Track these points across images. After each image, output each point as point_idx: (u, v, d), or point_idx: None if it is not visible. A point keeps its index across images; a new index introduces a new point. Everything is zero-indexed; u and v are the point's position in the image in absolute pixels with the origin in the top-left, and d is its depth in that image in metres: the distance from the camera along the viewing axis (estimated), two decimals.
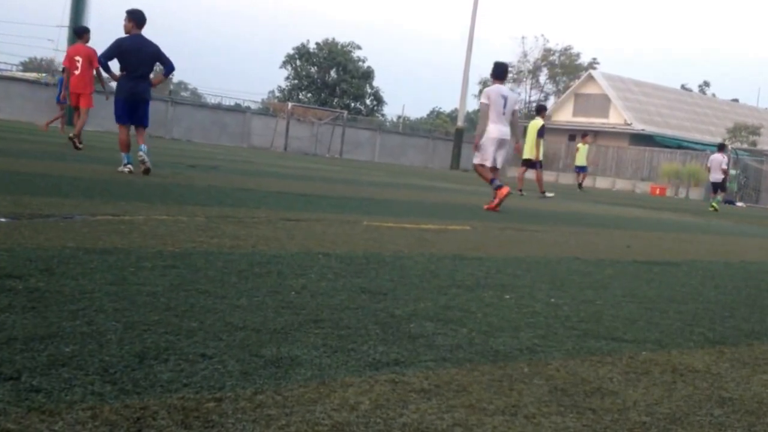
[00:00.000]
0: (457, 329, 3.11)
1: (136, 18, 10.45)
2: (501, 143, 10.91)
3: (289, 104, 45.87)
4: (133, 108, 10.58)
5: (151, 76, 11.11)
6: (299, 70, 66.18)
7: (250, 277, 3.71)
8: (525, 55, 62.33)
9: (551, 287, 4.46)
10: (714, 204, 22.70)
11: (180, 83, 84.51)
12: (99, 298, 2.91)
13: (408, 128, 56.85)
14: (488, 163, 10.88)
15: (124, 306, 2.84)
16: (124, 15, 10.48)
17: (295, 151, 41.22)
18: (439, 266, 4.79)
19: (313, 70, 65.86)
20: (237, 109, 45.58)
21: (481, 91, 71.57)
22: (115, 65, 10.52)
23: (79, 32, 15.28)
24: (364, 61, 66.47)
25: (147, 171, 10.13)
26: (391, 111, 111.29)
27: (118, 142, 10.53)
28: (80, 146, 14.35)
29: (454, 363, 2.61)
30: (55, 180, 7.87)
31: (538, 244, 6.98)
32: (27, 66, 70.13)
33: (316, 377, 2.28)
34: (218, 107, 44.87)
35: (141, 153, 10.11)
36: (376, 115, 65.04)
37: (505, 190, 10.43)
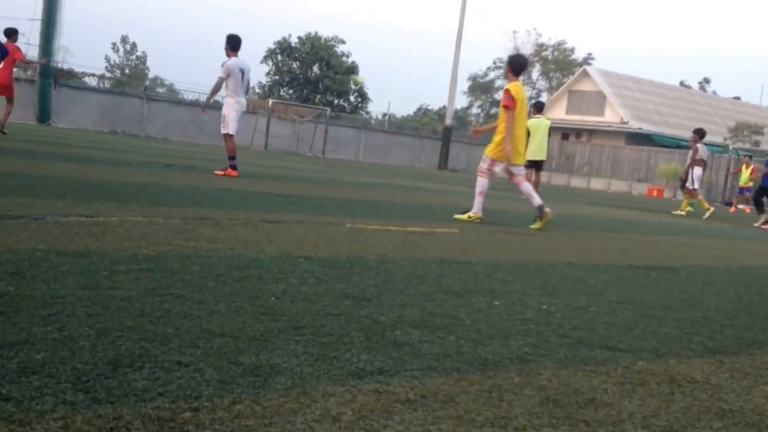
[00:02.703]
0: (445, 337, 3.14)
1: None
2: None
3: (270, 101, 45.78)
4: None
5: None
6: (280, 65, 66.06)
7: (228, 281, 3.72)
8: (517, 50, 62.53)
9: (543, 293, 4.49)
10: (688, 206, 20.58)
11: (156, 78, 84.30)
12: (71, 303, 2.91)
13: (394, 126, 56.88)
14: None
15: (97, 311, 2.85)
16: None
17: (276, 149, 41.16)
18: (425, 271, 4.81)
19: (295, 65, 65.78)
20: (215, 106, 45.37)
21: (471, 88, 70.74)
22: None
23: (8, 33, 17.62)
24: (348, 56, 66.48)
25: None
26: (376, 108, 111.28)
27: None
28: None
29: (441, 372, 2.63)
30: (24, 179, 7.84)
31: (529, 248, 7.02)
32: None
33: (296, 386, 2.29)
34: (196, 104, 44.75)
35: None
36: (361, 112, 65.05)
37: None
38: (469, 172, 42.64)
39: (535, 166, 18.16)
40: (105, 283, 3.34)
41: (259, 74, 71.12)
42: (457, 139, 46.59)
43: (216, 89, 12.91)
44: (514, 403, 2.40)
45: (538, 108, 19.01)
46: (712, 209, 18.30)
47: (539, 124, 18.06)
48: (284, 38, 65.87)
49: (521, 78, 9.62)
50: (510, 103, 9.17)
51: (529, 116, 19.01)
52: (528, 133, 17.94)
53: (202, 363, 2.39)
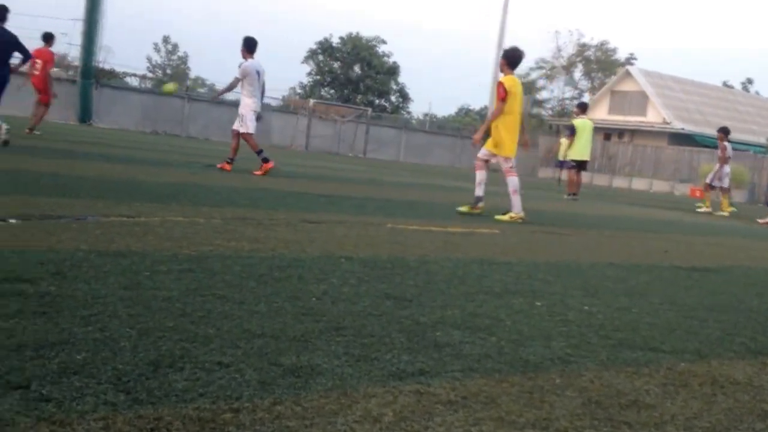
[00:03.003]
0: (486, 338, 3.10)
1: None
2: None
3: (311, 101, 45.97)
4: None
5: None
6: (322, 65, 66.31)
7: (269, 281, 3.72)
8: (559, 50, 62.11)
9: (584, 294, 4.43)
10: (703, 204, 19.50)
11: (197, 79, 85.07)
12: (112, 303, 2.93)
13: (435, 126, 56.75)
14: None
15: (138, 311, 2.86)
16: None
17: (317, 149, 41.31)
18: (466, 271, 4.78)
19: (336, 65, 65.97)
20: (229, 104, 45.67)
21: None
22: None
23: (46, 38, 17.95)
24: (389, 57, 66.50)
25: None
26: (417, 108, 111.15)
27: None
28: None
29: (482, 373, 2.60)
30: (65, 179, 7.94)
31: (570, 249, 6.95)
32: None
33: (337, 387, 2.28)
34: (237, 104, 45.08)
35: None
36: (402, 112, 65.04)
37: None
38: None
39: (580, 165, 17.99)
40: (146, 284, 3.36)
41: (300, 74, 71.48)
42: None
43: (230, 88, 13.29)
44: (556, 404, 2.37)
45: (583, 108, 18.81)
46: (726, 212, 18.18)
47: (585, 125, 17.86)
48: (325, 38, 66.11)
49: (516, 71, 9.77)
50: (502, 94, 9.45)
51: (574, 116, 18.85)
52: (575, 133, 17.82)
53: (243, 363, 2.38)
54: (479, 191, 9.68)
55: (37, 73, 17.57)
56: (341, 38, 65.94)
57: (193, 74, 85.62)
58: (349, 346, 2.73)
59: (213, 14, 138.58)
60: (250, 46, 12.67)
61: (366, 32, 76.26)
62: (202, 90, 73.43)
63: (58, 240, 4.20)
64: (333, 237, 5.73)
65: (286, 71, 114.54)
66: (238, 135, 13.04)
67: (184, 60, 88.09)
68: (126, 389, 2.05)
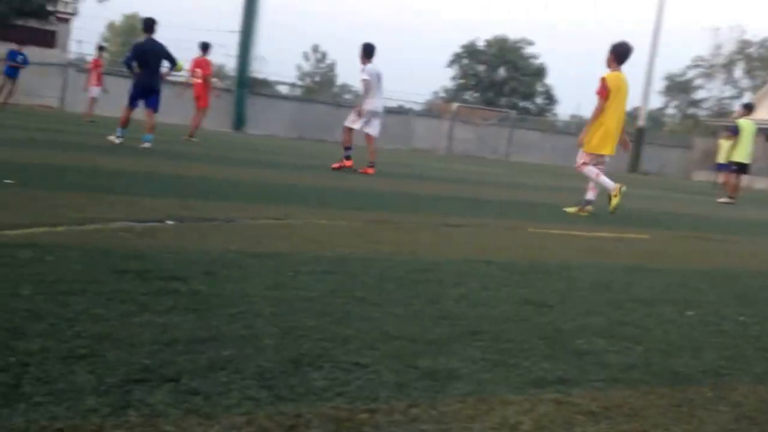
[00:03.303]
0: (632, 347, 3.02)
1: (147, 24, 13.79)
2: None
3: (454, 105, 45.99)
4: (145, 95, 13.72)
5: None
6: (466, 69, 66.28)
7: (407, 284, 3.75)
8: (718, 47, 59.65)
9: (740, 304, 4.24)
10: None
11: (344, 86, 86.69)
12: (257, 303, 3.03)
13: (581, 129, 55.62)
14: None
15: (282, 311, 2.95)
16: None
17: (459, 153, 41.28)
18: (612, 278, 4.66)
19: (481, 68, 65.78)
20: (399, 111, 46.16)
21: (668, 88, 67.84)
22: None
23: (204, 47, 19.25)
24: (536, 58, 65.74)
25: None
26: (564, 110, 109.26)
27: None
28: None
29: (626, 384, 2.53)
30: (218, 183, 8.26)
31: (726, 256, 6.66)
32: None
33: (474, 392, 2.27)
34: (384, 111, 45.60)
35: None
36: (547, 114, 64.13)
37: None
38: (664, 175, 41.11)
39: (741, 168, 17.14)
40: (290, 284, 3.45)
41: (444, 79, 71.68)
42: (650, 140, 44.95)
43: (367, 92, 13.56)
44: (706, 419, 2.28)
45: (749, 108, 17.91)
46: None
47: (749, 125, 16.98)
48: (471, 42, 66.04)
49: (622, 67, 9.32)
50: (603, 92, 9.11)
51: (737, 116, 17.94)
52: (739, 133, 16.98)
53: (380, 365, 2.41)
54: (591, 195, 9.47)
55: (198, 80, 18.88)
56: (487, 41, 65.68)
57: (339, 81, 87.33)
58: (486, 351, 2.72)
59: (359, 23, 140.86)
60: (368, 51, 13.36)
61: (513, 34, 75.50)
62: (347, 96, 74.72)
63: (210, 241, 4.37)
64: (473, 241, 5.71)
65: (431, 76, 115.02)
66: (369, 136, 13.64)
67: (331, 68, 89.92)
68: (268, 385, 2.12)
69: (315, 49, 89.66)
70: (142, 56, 13.45)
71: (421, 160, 25.67)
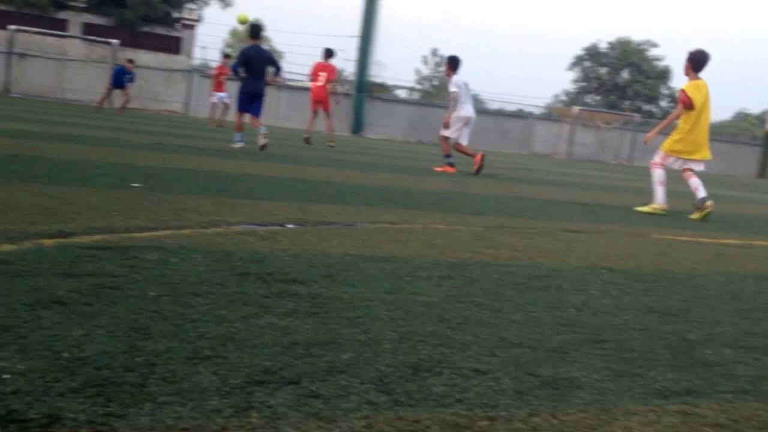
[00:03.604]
0: (761, 358, 2.89)
1: (253, 31, 14.40)
2: None
3: (575, 108, 45.24)
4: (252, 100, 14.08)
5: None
6: (588, 71, 65.14)
7: (526, 290, 3.70)
8: None
9: None
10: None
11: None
12: (376, 307, 3.04)
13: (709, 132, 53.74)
14: None
15: (400, 315, 2.95)
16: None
17: (580, 157, 40.57)
18: (740, 286, 4.48)
19: (604, 71, 64.53)
20: (519, 115, 45.77)
21: None
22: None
23: (329, 53, 19.75)
24: (660, 60, 63.97)
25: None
26: None
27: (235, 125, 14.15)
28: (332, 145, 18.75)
29: (756, 396, 2.43)
30: (337, 187, 8.37)
31: None
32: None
33: (596, 402, 2.22)
34: (499, 113, 45.31)
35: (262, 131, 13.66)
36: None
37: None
38: None
39: None
40: (408, 288, 3.45)
41: (565, 82, 70.74)
42: None
43: (454, 103, 14.23)
44: None
45: None
46: None
47: None
48: (593, 44, 64.89)
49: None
50: (689, 104, 9.22)
51: None
52: None
53: (500, 372, 2.39)
54: (701, 193, 9.27)
55: (320, 84, 19.24)
56: (609, 43, 64.38)
57: None
58: (609, 360, 2.65)
59: (479, 26, 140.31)
60: (454, 64, 14.34)
61: (637, 36, 73.78)
62: None
63: (330, 245, 4.43)
64: (594, 247, 5.59)
65: (551, 79, 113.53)
66: (459, 144, 14.20)
67: None
68: (387, 390, 2.13)
69: (434, 52, 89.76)
70: (247, 62, 13.89)
71: (540, 165, 25.36)
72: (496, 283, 3.80)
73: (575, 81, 66.16)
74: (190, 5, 42.77)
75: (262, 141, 13.43)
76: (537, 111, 49.70)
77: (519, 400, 2.16)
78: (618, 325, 3.18)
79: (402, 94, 47.10)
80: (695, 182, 9.37)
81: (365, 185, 9.13)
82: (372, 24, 37.93)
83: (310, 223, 5.24)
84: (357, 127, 37.62)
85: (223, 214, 5.15)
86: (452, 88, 14.16)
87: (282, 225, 4.99)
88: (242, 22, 15.31)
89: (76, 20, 38.53)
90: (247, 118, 14.10)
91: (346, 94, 38.69)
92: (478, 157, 13.65)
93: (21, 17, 37.13)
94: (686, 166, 9.47)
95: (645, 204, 9.49)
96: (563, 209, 8.78)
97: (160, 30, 39.59)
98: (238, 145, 13.51)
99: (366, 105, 38.29)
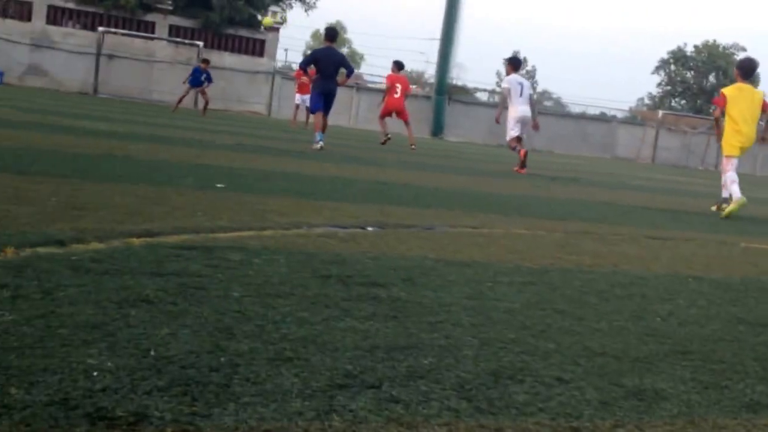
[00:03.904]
0: None
1: (328, 33, 14.71)
2: None
3: (660, 112, 44.36)
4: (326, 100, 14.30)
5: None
6: (673, 75, 63.86)
7: (610, 298, 3.64)
8: None
9: None
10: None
11: (544, 92, 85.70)
12: (456, 312, 3.03)
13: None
14: None
15: (481, 321, 2.93)
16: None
17: (664, 162, 39.76)
18: None
19: (689, 75, 63.16)
20: (601, 119, 45.11)
21: None
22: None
23: (399, 66, 20.46)
24: None
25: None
26: None
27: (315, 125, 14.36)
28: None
29: None
30: (416, 190, 8.37)
31: None
32: None
33: (683, 414, 2.16)
34: (582, 116, 44.74)
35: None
36: (760, 122, 60.52)
37: None
38: None
39: None
40: (488, 294, 3.43)
41: (649, 85, 69.52)
42: None
43: (503, 102, 15.01)
44: None
45: None
46: None
47: None
48: (679, 47, 63.60)
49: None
50: (720, 102, 10.04)
51: None
52: None
53: (583, 381, 2.35)
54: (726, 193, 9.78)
55: (397, 96, 19.81)
56: (695, 47, 62.97)
57: (540, 88, 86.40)
58: (696, 372, 2.58)
59: (561, 29, 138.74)
60: (516, 64, 15.01)
61: (724, 39, 72.01)
62: (548, 103, 73.83)
63: (409, 248, 4.43)
64: (680, 255, 5.47)
65: (635, 82, 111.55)
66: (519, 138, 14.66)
67: (532, 74, 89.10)
68: (468, 397, 2.11)
69: (515, 55, 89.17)
70: (317, 62, 14.28)
71: (623, 169, 24.93)
72: (578, 290, 3.74)
73: (660, 84, 64.91)
74: (274, 8, 43.36)
75: (318, 145, 13.74)
76: (620, 114, 48.84)
77: (603, 411, 2.12)
78: (705, 336, 3.09)
79: (482, 96, 46.85)
80: (729, 177, 9.91)
81: (445, 188, 9.12)
82: (453, 26, 37.90)
83: (390, 225, 5.25)
84: (437, 129, 37.60)
85: (305, 215, 5.20)
86: (504, 85, 14.81)
87: (362, 227, 5.02)
88: (267, 25, 15.93)
89: (163, 22, 39.42)
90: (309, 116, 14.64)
91: (426, 97, 38.74)
92: (523, 153, 14.21)
93: (109, 19, 38.19)
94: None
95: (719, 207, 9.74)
96: (647, 215, 8.61)
97: (244, 32, 40.20)
98: (318, 145, 13.66)
99: (446, 107, 38.24)
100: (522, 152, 14.21)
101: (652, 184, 16.35)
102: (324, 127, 14.22)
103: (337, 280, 3.34)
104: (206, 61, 27.22)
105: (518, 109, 14.39)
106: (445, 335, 2.68)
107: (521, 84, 14.51)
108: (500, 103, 15.12)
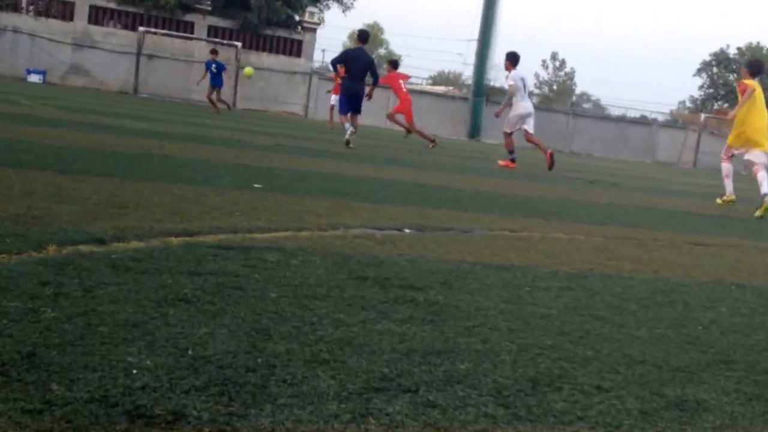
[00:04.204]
0: None
1: (361, 35, 15.12)
2: None
3: (702, 116, 43.83)
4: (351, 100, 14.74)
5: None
6: (715, 78, 63.13)
7: (651, 305, 3.59)
8: None
9: None
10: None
11: (582, 94, 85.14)
12: (494, 316, 3.01)
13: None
14: None
15: (518, 326, 2.91)
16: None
17: (705, 167, 39.26)
18: None
19: (732, 77, 62.37)
20: (642, 121, 44.67)
21: None
22: None
23: (395, 64, 20.60)
24: None
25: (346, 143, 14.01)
26: None
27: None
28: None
29: None
30: (454, 192, 8.35)
31: None
32: (435, 80, 75.56)
33: (726, 427, 2.13)
34: (622, 119, 44.35)
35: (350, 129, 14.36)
36: None
37: None
38: None
39: None
40: (526, 299, 3.41)
41: (691, 88, 68.78)
42: None
43: (510, 99, 15.27)
44: None
45: None
46: None
47: None
48: (721, 49, 62.85)
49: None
50: (745, 90, 11.02)
51: None
52: None
53: (623, 390, 2.32)
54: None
55: (405, 91, 19.80)
56: (738, 48, 62.23)
57: (578, 90, 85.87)
58: (740, 383, 2.54)
59: (600, 30, 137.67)
60: (514, 59, 15.07)
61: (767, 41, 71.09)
62: (587, 105, 73.31)
63: (446, 251, 4.42)
64: (723, 262, 5.39)
65: (676, 85, 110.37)
66: (527, 134, 15.11)
67: (570, 76, 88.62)
68: (505, 403, 2.10)
69: (553, 56, 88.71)
70: (347, 62, 14.62)
71: (664, 173, 24.67)
72: (618, 296, 3.70)
73: (702, 87, 64.19)
74: (312, 8, 43.54)
75: (348, 136, 14.19)
76: (661, 118, 48.33)
77: (644, 421, 2.09)
78: (749, 346, 3.04)
79: None
80: (761, 177, 10.58)
81: (483, 191, 9.09)
82: (490, 27, 37.76)
83: (428, 228, 5.24)
84: (474, 131, 37.51)
85: (342, 216, 5.21)
86: (509, 82, 15.01)
87: (400, 230, 5.01)
88: (248, 75, 16.22)
89: (202, 23, 39.78)
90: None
91: (464, 99, 38.63)
92: (549, 153, 14.74)
93: (150, 19, 38.61)
94: (747, 157, 11.23)
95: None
96: (689, 220, 8.51)
97: (281, 33, 40.42)
98: (348, 132, 14.20)
99: (483, 109, 38.10)
100: (548, 153, 14.72)
101: (693, 188, 16.17)
102: (354, 127, 14.52)
103: (374, 282, 3.34)
104: (215, 52, 26.96)
105: (522, 106, 14.86)
106: (482, 340, 2.66)
107: (523, 79, 15.00)
108: (506, 100, 15.44)
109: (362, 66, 14.57)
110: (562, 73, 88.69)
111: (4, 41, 36.57)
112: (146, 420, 1.73)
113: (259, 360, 2.19)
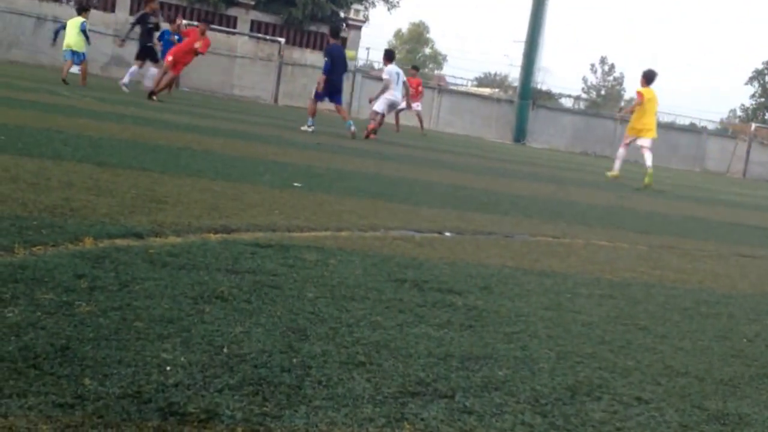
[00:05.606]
0: None
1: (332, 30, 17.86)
2: None
3: (753, 125, 43.16)
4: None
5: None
6: (767, 86, 62.14)
7: (694, 316, 3.55)
8: None
9: None
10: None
11: (631, 100, 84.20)
12: (533, 323, 3.00)
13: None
14: None
15: (558, 333, 2.90)
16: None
17: (757, 177, 38.66)
18: None
19: None
20: (691, 130, 44.08)
21: None
22: None
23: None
24: None
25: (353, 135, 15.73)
26: None
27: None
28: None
29: None
30: (496, 197, 8.32)
31: None
32: (481, 81, 75.27)
33: None
34: (671, 127, 43.80)
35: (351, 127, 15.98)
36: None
37: None
38: None
39: None
40: (567, 306, 3.39)
41: (743, 97, 67.86)
42: None
43: (384, 89, 17.20)
44: None
45: None
46: None
47: None
48: None
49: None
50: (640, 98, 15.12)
51: None
52: None
53: (664, 402, 2.30)
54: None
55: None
56: None
57: (627, 96, 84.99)
58: None
59: (650, 34, 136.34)
60: (389, 56, 17.60)
61: None
62: None
63: (487, 255, 4.41)
64: None
65: (726, 93, 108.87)
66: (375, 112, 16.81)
67: (619, 81, 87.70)
68: (543, 412, 2.09)
69: (602, 60, 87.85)
70: (334, 60, 16.00)
71: (713, 183, 24.36)
72: (661, 306, 3.67)
73: (753, 96, 63.21)
74: (357, 6, 43.62)
75: (352, 129, 15.83)
76: (710, 126, 47.66)
77: None
78: None
79: (567, 102, 46.28)
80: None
81: (525, 195, 9.04)
82: (539, 29, 37.55)
83: (468, 232, 5.23)
84: (519, 135, 37.29)
85: (381, 217, 5.21)
86: (384, 76, 17.43)
87: (440, 232, 5.01)
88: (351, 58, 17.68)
89: (245, 17, 39.99)
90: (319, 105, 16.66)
91: (509, 101, 38.44)
92: (371, 127, 16.76)
93: (192, 12, 38.91)
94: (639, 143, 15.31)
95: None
96: (736, 231, 8.39)
97: (326, 29, 40.55)
98: (309, 129, 15.62)
99: (530, 113, 37.89)
100: (371, 126, 16.87)
101: (742, 199, 15.93)
102: (347, 114, 17.13)
103: (413, 285, 3.34)
104: (174, 22, 24.86)
105: (393, 94, 17.15)
106: (521, 346, 2.65)
107: (398, 73, 17.29)
108: (381, 89, 17.45)
109: (343, 59, 16.38)
110: (611, 78, 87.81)
111: (45, 31, 37.07)
112: (179, 418, 1.75)
113: (295, 360, 2.20)
